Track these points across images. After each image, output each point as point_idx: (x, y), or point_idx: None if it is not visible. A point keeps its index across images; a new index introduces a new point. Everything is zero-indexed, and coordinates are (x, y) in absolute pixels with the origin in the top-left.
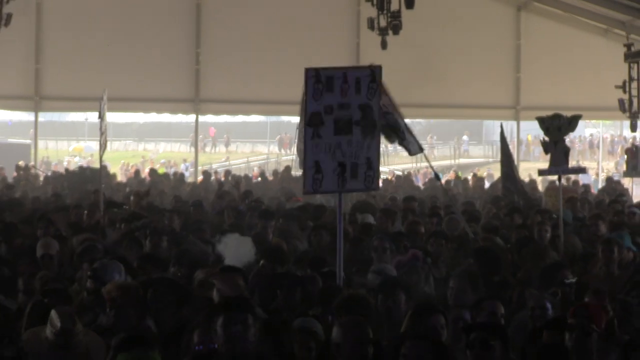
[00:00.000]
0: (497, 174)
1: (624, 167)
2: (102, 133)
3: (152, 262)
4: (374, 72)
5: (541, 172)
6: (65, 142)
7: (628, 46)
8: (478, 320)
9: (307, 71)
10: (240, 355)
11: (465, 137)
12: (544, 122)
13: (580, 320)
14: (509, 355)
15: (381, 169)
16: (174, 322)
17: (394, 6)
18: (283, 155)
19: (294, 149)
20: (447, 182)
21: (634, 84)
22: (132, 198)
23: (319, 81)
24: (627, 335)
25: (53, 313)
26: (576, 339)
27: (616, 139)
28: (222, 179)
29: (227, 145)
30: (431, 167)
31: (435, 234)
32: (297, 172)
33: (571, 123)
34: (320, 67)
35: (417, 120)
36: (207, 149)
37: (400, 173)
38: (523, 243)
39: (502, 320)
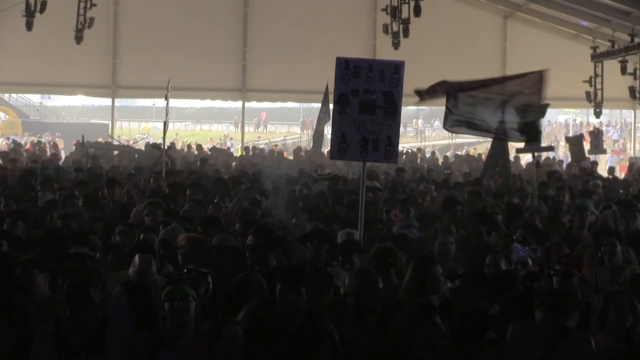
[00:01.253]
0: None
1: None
2: (167, 115)
3: (214, 225)
4: (398, 66)
5: (519, 150)
6: (136, 123)
7: (594, 48)
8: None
9: (338, 59)
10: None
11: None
12: None
13: (563, 267)
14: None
15: None
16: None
17: (405, 14)
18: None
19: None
20: (445, 157)
21: (599, 79)
22: (198, 164)
23: (348, 68)
24: None
25: (136, 257)
26: (560, 282)
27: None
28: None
29: (258, 126)
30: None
31: (450, 199)
32: (313, 150)
33: (542, 109)
34: (349, 57)
35: (422, 107)
36: (259, 129)
37: (409, 151)
38: (510, 208)
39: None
